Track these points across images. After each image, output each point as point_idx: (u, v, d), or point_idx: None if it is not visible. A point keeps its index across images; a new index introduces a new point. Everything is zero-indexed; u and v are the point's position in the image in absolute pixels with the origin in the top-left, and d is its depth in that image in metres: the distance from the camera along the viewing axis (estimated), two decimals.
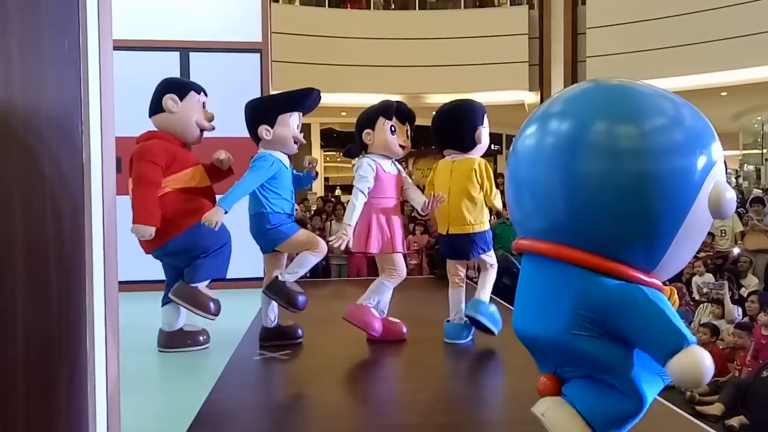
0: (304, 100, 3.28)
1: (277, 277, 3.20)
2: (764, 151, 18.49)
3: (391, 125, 3.36)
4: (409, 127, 3.48)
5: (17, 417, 1.34)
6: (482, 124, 3.36)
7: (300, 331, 3.40)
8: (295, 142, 3.27)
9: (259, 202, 3.16)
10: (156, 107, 3.29)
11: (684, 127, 1.47)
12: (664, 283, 1.57)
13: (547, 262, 1.53)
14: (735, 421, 4.75)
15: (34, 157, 1.37)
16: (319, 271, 7.64)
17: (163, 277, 3.38)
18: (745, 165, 19.50)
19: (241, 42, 5.26)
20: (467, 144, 3.34)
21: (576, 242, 1.48)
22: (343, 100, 13.99)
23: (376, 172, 3.31)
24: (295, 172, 3.38)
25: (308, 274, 7.67)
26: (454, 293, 3.42)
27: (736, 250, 7.80)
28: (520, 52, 14.42)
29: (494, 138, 19.34)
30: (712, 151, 1.48)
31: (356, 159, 3.54)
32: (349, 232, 3.20)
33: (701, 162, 1.44)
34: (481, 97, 14.66)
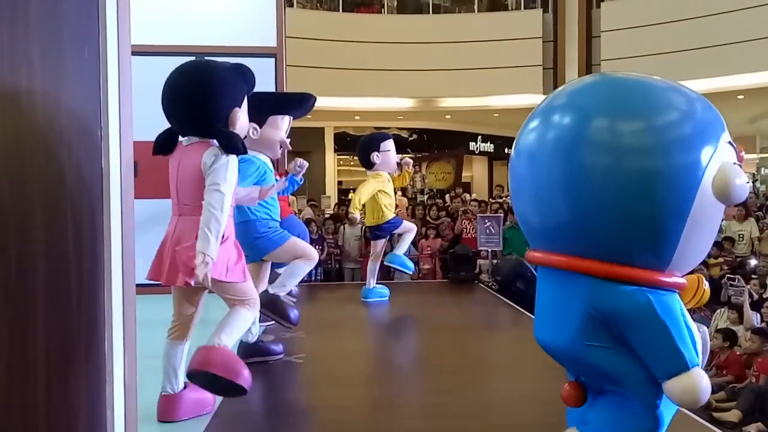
0: (300, 104, 3.07)
1: (268, 290, 3.03)
2: None
3: None
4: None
5: (38, 419, 1.36)
6: (378, 150, 4.42)
7: (279, 348, 3.06)
8: (281, 147, 3.04)
9: (245, 209, 2.90)
10: None
11: (693, 120, 1.38)
12: (693, 271, 1.51)
13: (557, 272, 1.49)
14: (752, 428, 4.68)
15: (55, 161, 1.40)
16: (333, 275, 7.65)
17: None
18: (763, 168, 19.33)
19: (256, 47, 5.28)
20: (367, 164, 4.51)
21: (581, 246, 1.42)
22: (357, 104, 14.00)
23: None
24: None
25: (321, 277, 7.72)
26: (372, 265, 4.52)
27: (753, 262, 7.70)
28: (534, 56, 14.37)
29: (508, 142, 19.32)
30: (720, 139, 1.39)
31: None
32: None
33: (707, 153, 1.35)
34: (495, 101, 14.70)
